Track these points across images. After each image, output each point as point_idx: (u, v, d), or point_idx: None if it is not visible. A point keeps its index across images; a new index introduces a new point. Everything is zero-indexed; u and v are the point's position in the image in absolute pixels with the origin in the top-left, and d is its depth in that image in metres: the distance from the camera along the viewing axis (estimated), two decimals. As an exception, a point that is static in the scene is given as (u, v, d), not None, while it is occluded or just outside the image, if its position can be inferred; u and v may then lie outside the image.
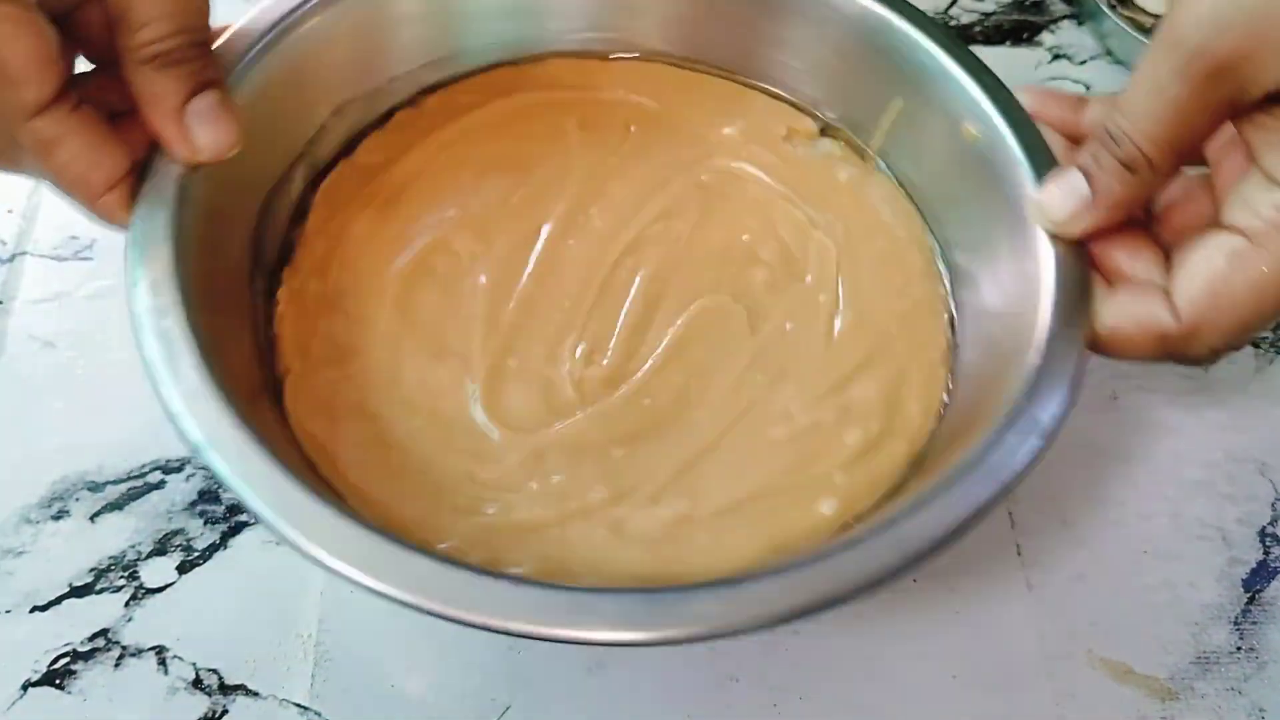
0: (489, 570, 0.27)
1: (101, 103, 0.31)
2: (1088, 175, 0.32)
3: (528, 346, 0.38)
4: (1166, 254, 0.32)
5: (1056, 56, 0.56)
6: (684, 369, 0.38)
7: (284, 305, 0.37)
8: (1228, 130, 0.31)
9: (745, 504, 0.35)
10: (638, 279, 0.40)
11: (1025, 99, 0.37)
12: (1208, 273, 0.29)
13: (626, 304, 0.39)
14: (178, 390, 0.29)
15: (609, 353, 0.38)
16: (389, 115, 0.42)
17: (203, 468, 0.40)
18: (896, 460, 0.36)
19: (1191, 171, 0.33)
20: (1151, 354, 0.31)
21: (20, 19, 0.27)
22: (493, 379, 0.37)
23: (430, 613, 0.26)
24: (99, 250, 0.45)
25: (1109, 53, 0.56)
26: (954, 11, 0.57)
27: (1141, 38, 0.53)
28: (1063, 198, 0.32)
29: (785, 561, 0.28)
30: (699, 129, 0.44)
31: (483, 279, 0.39)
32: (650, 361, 0.38)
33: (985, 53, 0.40)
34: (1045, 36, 0.56)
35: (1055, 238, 0.33)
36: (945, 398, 0.37)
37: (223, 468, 0.28)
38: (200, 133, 0.31)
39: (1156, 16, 0.56)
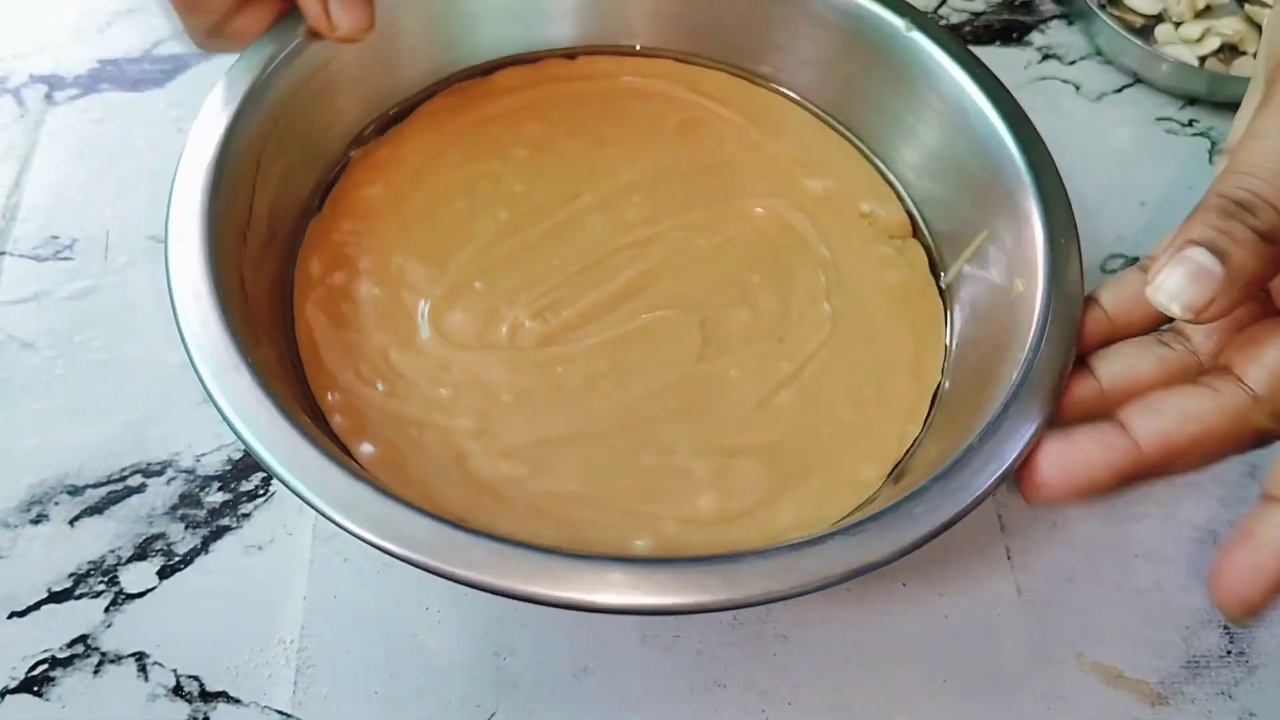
0: (493, 535, 0.28)
1: None
2: (1218, 253, 0.27)
3: (498, 281, 0.40)
4: None
5: (1046, 56, 0.56)
6: (612, 361, 0.38)
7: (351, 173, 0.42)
8: None
9: (571, 500, 0.35)
10: (630, 270, 0.40)
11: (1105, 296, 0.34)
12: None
13: (604, 286, 0.40)
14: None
15: (559, 317, 0.39)
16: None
17: (184, 471, 0.39)
18: (739, 539, 0.35)
19: None
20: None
21: None
22: (453, 290, 0.39)
23: (423, 566, 0.27)
24: (79, 250, 0.44)
25: (1099, 52, 0.56)
26: (944, 11, 0.57)
27: (1131, 37, 0.53)
28: (1190, 281, 0.28)
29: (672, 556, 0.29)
30: (785, 170, 0.44)
31: (504, 215, 0.41)
32: (587, 340, 0.38)
33: (974, 52, 0.40)
34: (1035, 36, 0.56)
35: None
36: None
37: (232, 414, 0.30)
38: (338, 11, 0.34)
39: (1146, 16, 0.56)
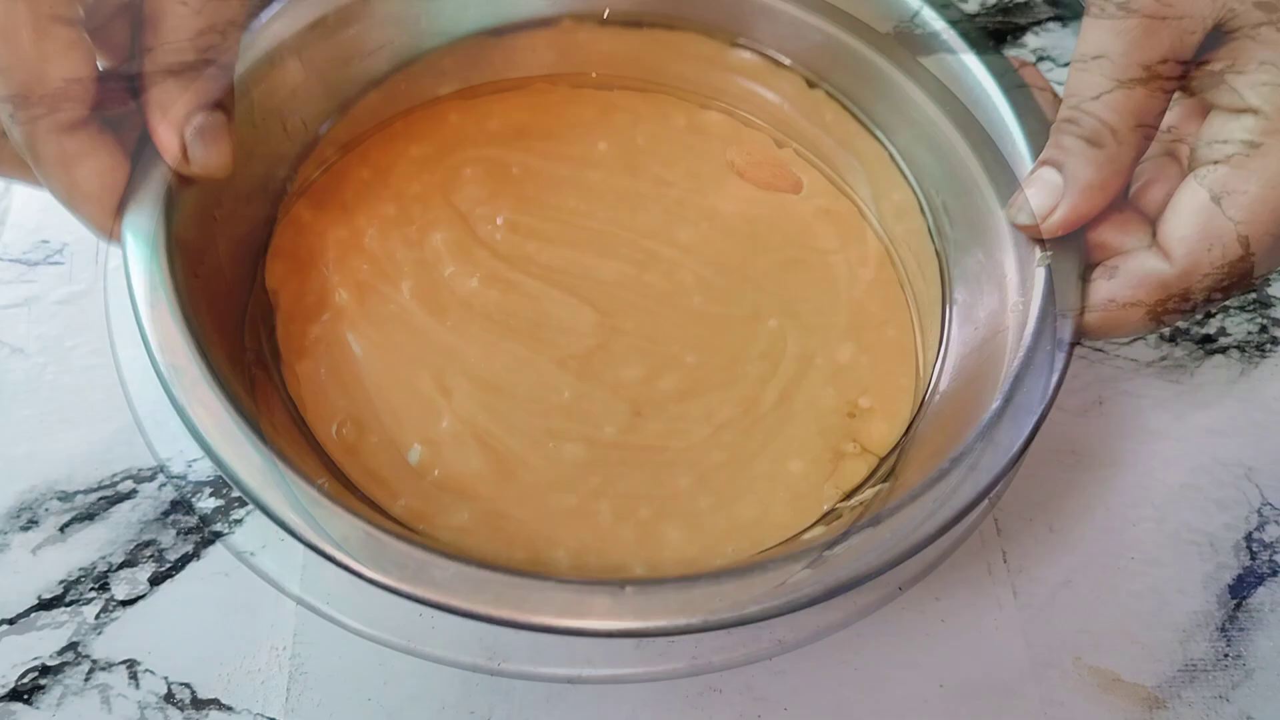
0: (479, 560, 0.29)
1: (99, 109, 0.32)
2: (1055, 165, 0.31)
3: (504, 190, 0.41)
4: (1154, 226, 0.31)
5: (1041, 59, 0.55)
6: (590, 291, 0.39)
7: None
8: (1188, 108, 0.32)
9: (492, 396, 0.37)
10: (628, 268, 0.40)
11: (1027, 75, 0.38)
12: (1193, 206, 0.29)
13: (600, 257, 0.40)
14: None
15: (529, 244, 0.40)
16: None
17: (176, 477, 0.39)
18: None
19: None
20: (1153, 306, 0.30)
21: (73, 40, 0.29)
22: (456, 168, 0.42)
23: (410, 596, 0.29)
24: (70, 255, 0.44)
25: (1093, 55, 0.56)
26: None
27: (1126, 40, 0.53)
28: (1036, 195, 0.32)
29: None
30: (843, 320, 0.41)
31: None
32: (535, 278, 0.39)
33: (970, 56, 0.40)
34: (1029, 38, 0.56)
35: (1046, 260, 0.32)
36: None
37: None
38: (195, 148, 0.31)
39: (1141, 19, 0.56)
